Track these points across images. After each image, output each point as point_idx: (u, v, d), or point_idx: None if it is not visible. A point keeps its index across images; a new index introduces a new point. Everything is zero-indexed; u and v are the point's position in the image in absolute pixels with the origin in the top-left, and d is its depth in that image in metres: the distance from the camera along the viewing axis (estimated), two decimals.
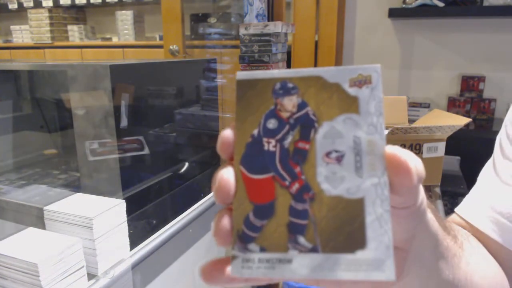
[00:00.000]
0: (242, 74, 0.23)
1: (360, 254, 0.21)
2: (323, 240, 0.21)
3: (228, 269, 0.22)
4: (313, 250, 0.21)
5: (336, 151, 0.22)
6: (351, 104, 0.22)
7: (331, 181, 0.21)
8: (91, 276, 0.61)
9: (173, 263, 0.78)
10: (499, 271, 0.45)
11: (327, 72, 0.23)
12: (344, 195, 0.21)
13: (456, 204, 0.53)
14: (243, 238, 0.22)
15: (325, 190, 0.22)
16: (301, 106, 0.22)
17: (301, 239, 0.21)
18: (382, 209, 0.21)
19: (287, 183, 0.22)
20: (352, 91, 0.22)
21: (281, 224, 0.22)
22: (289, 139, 0.22)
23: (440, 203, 0.90)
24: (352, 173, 0.21)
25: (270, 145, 0.22)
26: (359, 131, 0.22)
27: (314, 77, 0.23)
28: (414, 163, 0.22)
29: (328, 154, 0.22)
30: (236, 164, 0.23)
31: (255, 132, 0.23)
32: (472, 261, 0.40)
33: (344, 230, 0.21)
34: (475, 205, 0.49)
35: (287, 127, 0.23)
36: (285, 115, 0.23)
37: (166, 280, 0.75)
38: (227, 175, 0.22)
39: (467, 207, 0.50)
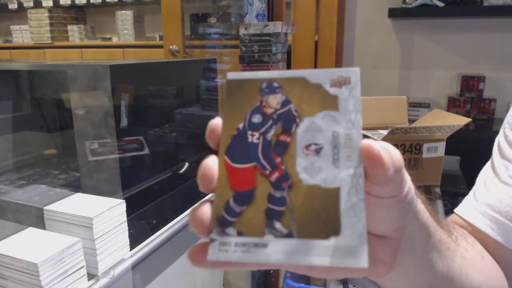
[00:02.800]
0: (232, 75, 0.25)
1: (334, 241, 0.21)
2: (298, 226, 0.22)
3: None
4: (289, 235, 0.22)
5: (315, 144, 0.23)
6: (331, 102, 0.24)
7: (309, 171, 0.23)
8: (91, 276, 0.61)
9: (173, 263, 0.78)
10: (496, 268, 0.45)
11: (310, 73, 0.24)
12: (321, 184, 0.22)
13: (456, 204, 0.53)
14: (221, 223, 0.23)
15: (303, 180, 0.23)
16: (285, 103, 0.24)
17: (278, 225, 0.22)
18: (357, 198, 0.22)
19: (267, 172, 0.23)
20: (332, 90, 0.24)
21: (259, 210, 0.23)
22: (272, 132, 0.24)
23: (440, 203, 0.90)
24: (330, 164, 0.23)
25: (253, 137, 0.24)
26: (337, 126, 0.23)
27: (298, 78, 0.24)
28: (388, 154, 0.22)
29: (307, 147, 0.23)
30: (221, 154, 0.24)
31: (241, 125, 0.24)
32: (468, 256, 0.40)
33: (320, 217, 0.22)
34: (473, 205, 0.49)
35: (270, 121, 0.24)
36: (269, 111, 0.24)
37: (166, 280, 0.75)
38: (210, 163, 0.24)
39: (466, 207, 0.50)
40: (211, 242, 0.22)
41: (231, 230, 0.22)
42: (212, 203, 0.23)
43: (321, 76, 0.24)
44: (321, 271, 0.26)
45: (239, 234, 0.22)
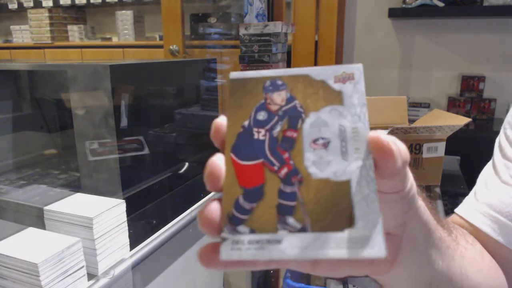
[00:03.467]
0: (235, 74, 0.25)
1: (349, 233, 0.21)
2: (312, 220, 0.22)
3: None
4: (302, 230, 0.22)
5: (323, 138, 0.23)
6: (335, 97, 0.24)
7: (318, 165, 0.23)
8: (91, 276, 0.61)
9: (173, 263, 0.78)
10: (495, 267, 0.45)
11: (314, 70, 0.25)
12: (331, 177, 0.22)
13: (456, 204, 0.53)
14: (232, 221, 0.22)
15: (313, 174, 0.23)
16: (289, 100, 0.24)
17: (290, 220, 0.22)
18: (368, 190, 0.22)
19: (275, 167, 0.23)
20: (336, 86, 0.24)
21: (270, 206, 0.22)
22: (278, 128, 0.24)
23: (440, 203, 0.90)
24: (338, 157, 0.23)
25: (260, 134, 0.24)
26: (343, 120, 0.23)
27: (301, 75, 0.25)
28: (396, 146, 0.23)
29: (315, 141, 0.23)
30: (227, 152, 0.24)
31: (246, 123, 0.24)
32: (468, 255, 0.40)
33: (332, 210, 0.22)
34: (474, 205, 0.49)
35: (276, 118, 0.24)
36: (274, 108, 0.24)
37: (166, 280, 0.75)
38: (217, 161, 0.23)
39: (466, 207, 0.50)
40: (223, 241, 0.22)
41: (242, 228, 0.22)
42: (221, 202, 0.23)
43: (324, 72, 0.24)
44: (325, 268, 0.25)
45: (252, 231, 0.22)
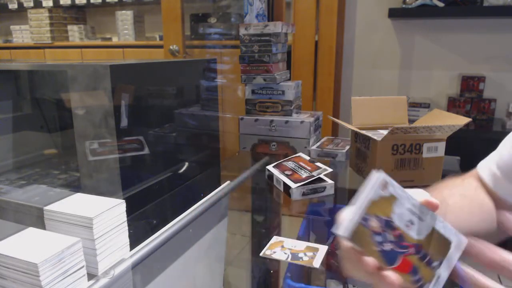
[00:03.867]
0: (342, 231, 0.38)
1: (452, 247, 0.41)
2: (438, 256, 0.40)
3: None
4: (440, 263, 0.41)
5: (408, 221, 0.40)
6: (392, 198, 0.40)
7: (418, 233, 0.40)
8: (91, 276, 0.61)
9: (173, 263, 0.78)
10: (491, 213, 0.58)
11: (369, 195, 0.39)
12: (428, 234, 0.40)
13: None
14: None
15: (419, 238, 0.40)
16: (377, 218, 0.39)
17: (434, 263, 0.40)
18: (442, 223, 0.41)
19: (411, 251, 0.40)
20: (386, 193, 0.40)
21: (425, 267, 0.40)
22: (390, 236, 0.39)
23: None
24: (420, 222, 0.40)
25: (386, 246, 0.39)
26: (406, 205, 0.40)
27: (370, 203, 0.39)
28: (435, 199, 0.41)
29: (407, 226, 0.40)
30: (386, 269, 0.39)
31: (375, 248, 0.39)
32: (461, 210, 0.57)
33: (442, 245, 0.41)
34: (487, 162, 0.63)
35: (383, 232, 0.39)
36: (376, 229, 0.39)
37: (166, 280, 0.75)
38: (394, 278, 0.38)
39: (482, 163, 0.64)
40: None
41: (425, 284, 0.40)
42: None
43: (374, 191, 0.39)
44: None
45: (427, 283, 0.40)
